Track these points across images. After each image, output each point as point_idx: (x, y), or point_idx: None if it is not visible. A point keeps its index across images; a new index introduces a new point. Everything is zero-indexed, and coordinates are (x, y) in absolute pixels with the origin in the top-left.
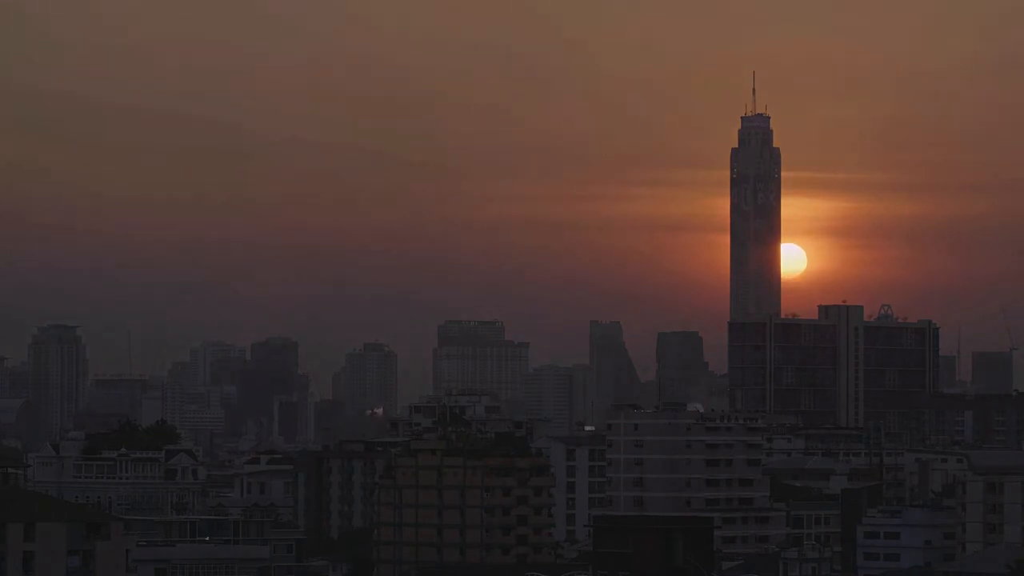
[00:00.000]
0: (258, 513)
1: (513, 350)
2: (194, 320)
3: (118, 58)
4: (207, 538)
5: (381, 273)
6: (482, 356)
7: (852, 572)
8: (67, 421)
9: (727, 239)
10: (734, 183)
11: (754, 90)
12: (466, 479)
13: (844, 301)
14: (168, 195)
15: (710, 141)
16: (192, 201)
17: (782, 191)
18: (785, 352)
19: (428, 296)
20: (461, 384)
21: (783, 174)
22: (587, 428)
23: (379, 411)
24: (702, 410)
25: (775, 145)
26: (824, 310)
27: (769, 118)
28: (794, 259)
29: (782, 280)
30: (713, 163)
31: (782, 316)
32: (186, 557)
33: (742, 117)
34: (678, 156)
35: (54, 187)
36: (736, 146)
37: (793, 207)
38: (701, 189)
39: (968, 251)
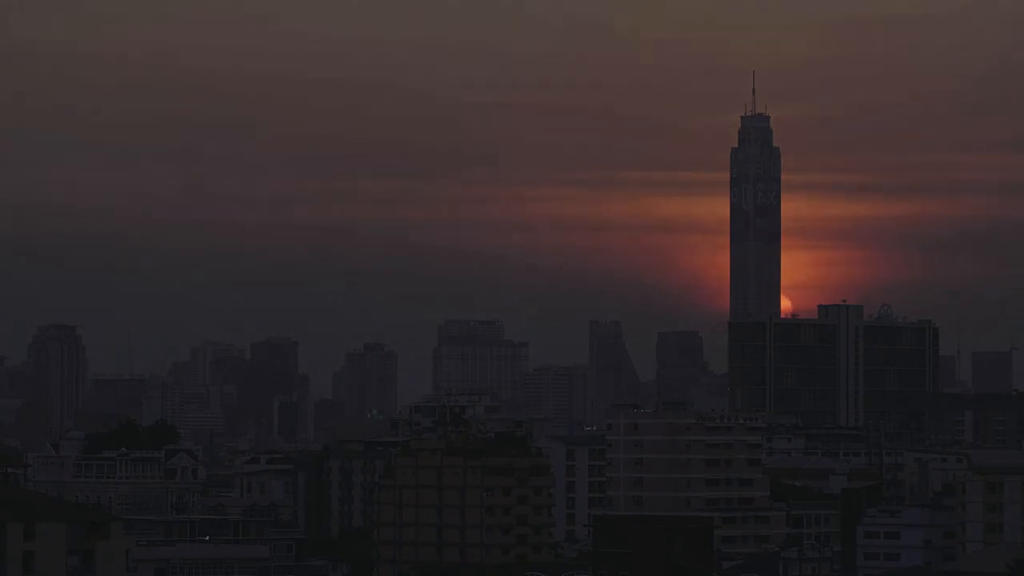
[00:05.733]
0: (258, 513)
1: (513, 350)
2: (194, 320)
3: (114, 64)
4: (207, 538)
5: (381, 273)
6: (482, 356)
7: (852, 572)
8: (67, 421)
9: (727, 239)
10: (734, 183)
11: (754, 90)
12: (466, 479)
13: (844, 301)
14: (168, 194)
15: (710, 141)
16: (192, 200)
17: (782, 191)
18: (785, 352)
19: (428, 296)
20: (461, 384)
21: (783, 174)
22: (587, 428)
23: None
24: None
25: (775, 145)
26: (824, 310)
27: (769, 118)
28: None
29: (782, 280)
30: (713, 163)
31: (782, 316)
32: (186, 557)
33: (742, 117)
34: (678, 156)
35: (54, 186)
36: (736, 146)
37: (793, 207)
38: (701, 189)
39: (968, 251)
